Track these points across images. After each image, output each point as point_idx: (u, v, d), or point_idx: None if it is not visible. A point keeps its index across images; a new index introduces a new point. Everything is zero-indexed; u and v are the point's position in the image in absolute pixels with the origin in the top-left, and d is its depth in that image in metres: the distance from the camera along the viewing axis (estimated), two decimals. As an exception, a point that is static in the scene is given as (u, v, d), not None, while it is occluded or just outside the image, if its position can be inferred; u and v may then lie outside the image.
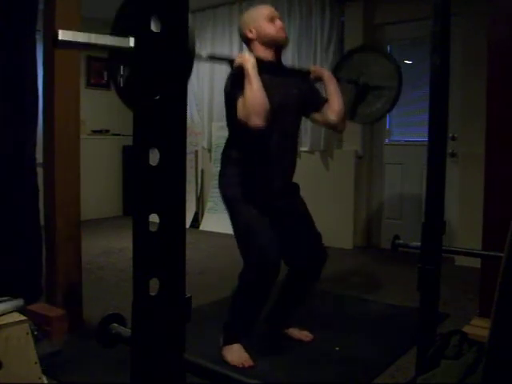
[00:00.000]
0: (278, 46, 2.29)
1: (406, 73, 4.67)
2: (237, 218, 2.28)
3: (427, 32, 1.62)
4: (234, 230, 2.29)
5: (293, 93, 2.31)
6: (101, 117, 6.06)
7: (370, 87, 2.55)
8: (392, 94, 2.54)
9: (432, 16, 1.56)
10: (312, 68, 2.48)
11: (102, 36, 0.76)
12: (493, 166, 2.45)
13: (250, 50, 2.30)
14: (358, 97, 2.58)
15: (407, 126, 4.74)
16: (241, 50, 5.31)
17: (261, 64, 2.16)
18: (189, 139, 5.62)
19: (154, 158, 0.65)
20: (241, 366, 2.22)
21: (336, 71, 2.59)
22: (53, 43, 0.74)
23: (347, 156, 4.77)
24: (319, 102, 2.38)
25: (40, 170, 2.66)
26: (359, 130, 4.72)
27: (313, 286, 2.52)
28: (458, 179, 4.10)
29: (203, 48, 5.68)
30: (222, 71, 5.52)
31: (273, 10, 2.32)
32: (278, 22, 2.28)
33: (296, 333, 2.54)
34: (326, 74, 2.39)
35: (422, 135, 4.18)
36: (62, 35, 0.74)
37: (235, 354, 2.26)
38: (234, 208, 2.28)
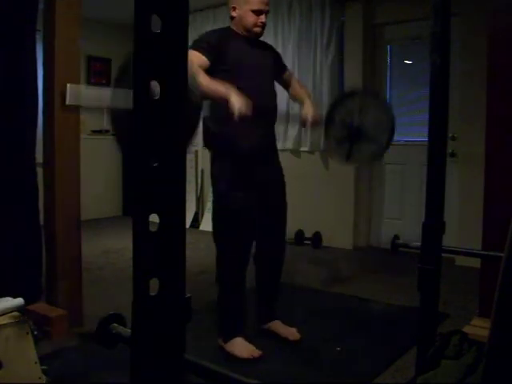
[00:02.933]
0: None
1: (406, 73, 4.70)
2: (222, 201, 2.34)
3: (427, 32, 1.62)
4: (215, 210, 2.39)
5: (267, 59, 2.50)
6: (101, 117, 6.05)
7: (361, 132, 2.59)
8: (382, 144, 2.58)
9: (432, 16, 1.56)
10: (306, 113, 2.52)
11: (106, 89, 0.78)
12: (493, 166, 2.45)
13: (230, 20, 2.45)
14: (350, 139, 2.62)
15: (407, 126, 4.74)
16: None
17: (236, 37, 2.39)
18: (189, 139, 5.61)
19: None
20: (251, 357, 2.24)
21: (332, 108, 2.64)
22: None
23: (347, 156, 4.76)
24: (281, 69, 2.63)
25: (40, 170, 2.66)
26: (359, 129, 4.72)
27: (278, 269, 2.56)
28: (458, 179, 4.10)
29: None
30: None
31: (265, 1, 2.39)
32: (262, 18, 2.39)
33: (282, 329, 2.52)
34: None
35: (422, 135, 4.17)
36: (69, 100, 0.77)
37: (241, 347, 2.28)
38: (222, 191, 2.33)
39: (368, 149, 2.59)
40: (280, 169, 2.53)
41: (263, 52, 2.50)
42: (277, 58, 2.61)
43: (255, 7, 2.35)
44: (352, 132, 2.57)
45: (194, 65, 2.18)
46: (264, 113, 2.37)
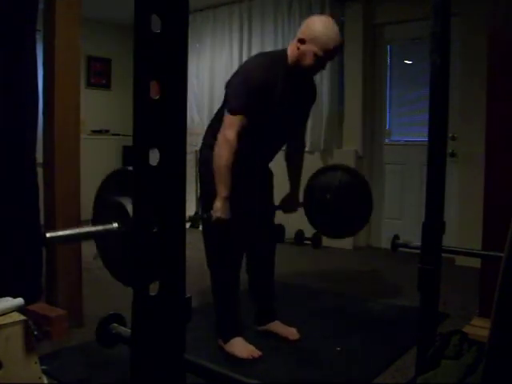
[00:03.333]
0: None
1: (406, 73, 4.70)
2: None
3: (427, 32, 1.62)
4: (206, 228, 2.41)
5: (302, 106, 2.41)
6: (101, 117, 6.06)
7: (340, 208, 2.70)
8: (358, 223, 2.77)
9: (432, 16, 1.56)
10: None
11: (87, 227, 0.83)
12: (493, 166, 2.45)
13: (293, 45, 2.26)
14: (328, 214, 2.73)
15: (407, 126, 4.74)
16: (240, 49, 5.31)
17: (285, 71, 2.22)
18: (189, 139, 5.60)
19: (154, 158, 0.65)
20: (251, 357, 2.25)
21: (312, 181, 2.76)
22: (41, 242, 0.81)
23: (347, 156, 4.76)
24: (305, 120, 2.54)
25: (40, 170, 2.66)
26: (359, 129, 4.72)
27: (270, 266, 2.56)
28: (458, 179, 4.10)
29: (203, 48, 5.68)
30: (222, 71, 5.52)
31: (336, 47, 2.19)
32: (324, 64, 2.23)
33: (281, 329, 2.52)
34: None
35: (422, 135, 4.18)
36: (50, 234, 0.80)
37: (241, 347, 2.28)
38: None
39: (344, 225, 2.74)
40: (272, 194, 2.58)
41: (304, 97, 2.38)
42: (309, 108, 2.48)
43: (321, 53, 2.15)
44: (330, 207, 2.69)
45: (228, 138, 2.11)
46: (265, 160, 2.46)
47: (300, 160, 2.60)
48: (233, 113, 2.13)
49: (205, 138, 2.41)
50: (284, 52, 2.29)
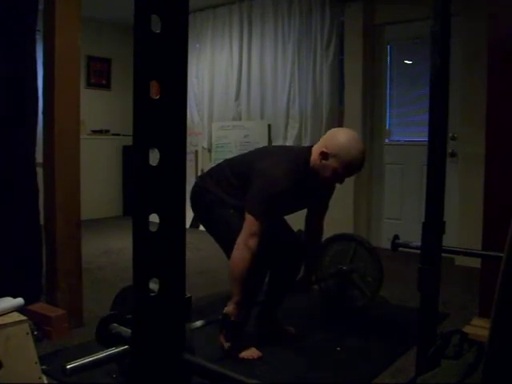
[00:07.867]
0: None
1: (406, 73, 4.71)
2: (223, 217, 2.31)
3: (427, 32, 1.62)
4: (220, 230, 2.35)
5: (309, 201, 2.46)
6: (101, 117, 6.06)
7: (350, 280, 2.81)
8: (367, 296, 2.79)
9: (432, 16, 1.56)
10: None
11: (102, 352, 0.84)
12: (493, 166, 2.45)
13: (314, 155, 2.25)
14: (338, 284, 2.85)
15: (407, 126, 4.74)
16: (240, 49, 5.31)
17: (304, 176, 2.23)
18: (189, 139, 5.61)
19: (154, 158, 0.65)
20: (251, 357, 2.24)
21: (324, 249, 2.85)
22: (62, 373, 0.81)
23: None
24: (319, 204, 2.50)
25: (40, 170, 2.66)
26: (359, 129, 4.72)
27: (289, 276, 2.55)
28: (458, 179, 4.10)
29: (203, 48, 5.68)
30: (222, 71, 5.53)
31: (358, 165, 2.19)
32: (343, 179, 2.24)
33: (281, 329, 2.53)
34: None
35: (422, 135, 4.17)
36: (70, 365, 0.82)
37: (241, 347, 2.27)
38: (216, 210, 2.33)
39: (354, 298, 2.82)
40: None
41: (321, 191, 2.40)
42: (325, 199, 2.49)
43: (341, 171, 2.17)
44: (341, 278, 2.80)
45: (252, 247, 2.10)
46: None
47: (319, 237, 2.60)
48: (256, 218, 2.12)
49: (207, 179, 2.43)
50: (308, 153, 2.27)
